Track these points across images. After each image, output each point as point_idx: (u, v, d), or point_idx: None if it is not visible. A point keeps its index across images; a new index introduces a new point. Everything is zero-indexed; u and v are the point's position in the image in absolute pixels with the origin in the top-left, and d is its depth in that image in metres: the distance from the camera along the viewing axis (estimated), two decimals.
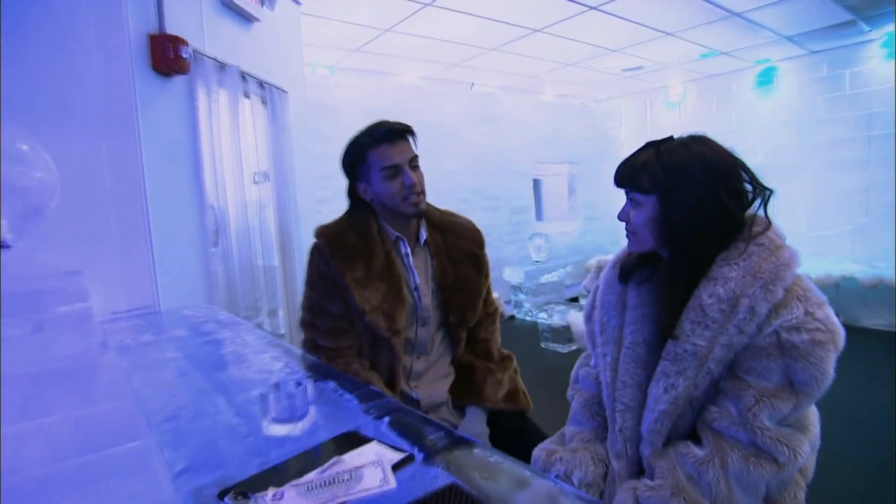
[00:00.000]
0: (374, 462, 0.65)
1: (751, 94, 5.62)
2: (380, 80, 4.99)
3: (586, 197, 6.66)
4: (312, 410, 0.85)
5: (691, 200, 0.87)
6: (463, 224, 1.51)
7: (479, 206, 5.41)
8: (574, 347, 4.12)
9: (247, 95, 2.51)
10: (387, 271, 1.36)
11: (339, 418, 0.89)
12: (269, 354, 1.32)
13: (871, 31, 4.55)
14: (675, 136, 0.95)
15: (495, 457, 0.75)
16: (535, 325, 4.66)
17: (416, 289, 1.41)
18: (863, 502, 2.05)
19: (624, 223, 0.97)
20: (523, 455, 1.16)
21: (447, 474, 0.68)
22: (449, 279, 1.43)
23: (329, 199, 4.06)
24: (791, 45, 4.80)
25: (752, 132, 5.47)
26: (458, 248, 1.45)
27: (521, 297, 5.47)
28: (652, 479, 0.88)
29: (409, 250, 1.41)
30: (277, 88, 2.72)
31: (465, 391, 1.44)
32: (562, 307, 4.54)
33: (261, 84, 2.61)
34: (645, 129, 6.68)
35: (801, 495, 0.90)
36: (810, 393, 0.82)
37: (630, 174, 0.93)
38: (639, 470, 0.96)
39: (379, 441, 0.76)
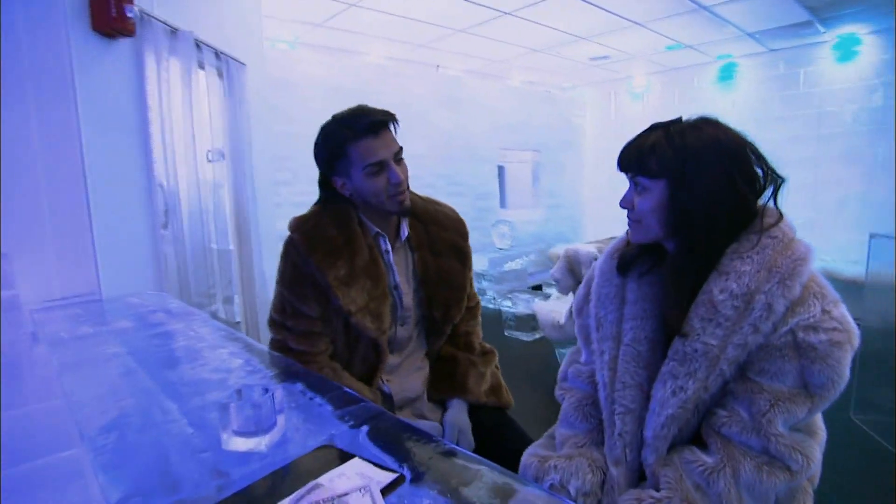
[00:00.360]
0: (360, 487, 0.55)
1: (712, 88, 5.73)
2: (343, 57, 4.79)
3: (549, 185, 6.67)
4: (281, 420, 0.74)
5: (705, 186, 0.81)
6: (446, 213, 1.40)
7: (444, 191, 5.32)
8: (538, 336, 4.11)
9: (201, 66, 2.32)
10: (371, 267, 1.24)
11: (310, 428, 0.78)
12: (226, 350, 1.19)
13: (825, 32, 4.69)
14: (684, 118, 0.88)
15: (491, 472, 0.67)
16: (498, 312, 4.63)
17: (397, 288, 1.30)
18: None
19: (626, 210, 0.89)
20: (504, 455, 1.10)
21: (444, 499, 0.58)
22: (431, 273, 1.33)
23: (289, 181, 3.87)
24: (752, 41, 4.90)
25: None
26: (442, 239, 1.35)
27: (485, 284, 5.43)
28: (656, 488, 0.82)
29: (389, 247, 1.30)
30: (235, 60, 2.53)
31: (447, 385, 1.35)
32: (526, 295, 4.53)
33: (217, 54, 2.42)
34: (609, 120, 6.74)
35: (810, 502, 0.86)
36: (826, 396, 0.77)
37: (637, 157, 0.85)
38: (638, 477, 0.89)
39: (361, 458, 0.66)
